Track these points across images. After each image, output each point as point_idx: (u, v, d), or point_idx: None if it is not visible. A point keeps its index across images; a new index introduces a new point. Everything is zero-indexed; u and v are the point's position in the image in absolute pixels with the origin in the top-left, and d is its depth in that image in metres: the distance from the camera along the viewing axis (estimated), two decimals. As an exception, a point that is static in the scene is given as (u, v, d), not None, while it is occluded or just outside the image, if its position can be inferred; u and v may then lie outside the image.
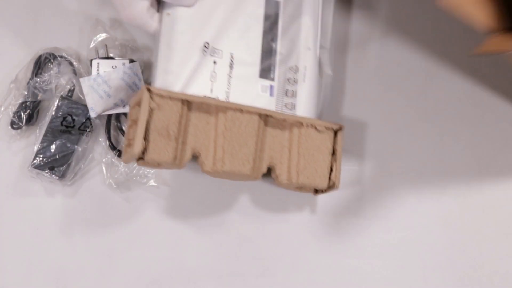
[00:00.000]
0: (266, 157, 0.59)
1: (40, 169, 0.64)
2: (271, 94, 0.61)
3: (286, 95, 0.61)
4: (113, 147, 0.65)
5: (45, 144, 0.64)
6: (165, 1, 0.59)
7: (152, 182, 0.65)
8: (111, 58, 0.66)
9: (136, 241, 0.65)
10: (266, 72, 0.61)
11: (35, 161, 0.64)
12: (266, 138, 0.60)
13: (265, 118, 0.60)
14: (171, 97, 0.56)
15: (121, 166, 0.65)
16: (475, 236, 0.66)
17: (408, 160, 0.67)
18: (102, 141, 0.65)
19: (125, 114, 0.66)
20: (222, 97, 0.59)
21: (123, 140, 0.66)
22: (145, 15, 0.59)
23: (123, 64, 0.66)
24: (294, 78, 0.62)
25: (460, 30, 0.69)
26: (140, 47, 0.69)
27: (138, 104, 0.56)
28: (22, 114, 0.65)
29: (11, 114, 0.65)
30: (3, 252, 0.64)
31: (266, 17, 0.62)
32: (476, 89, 0.70)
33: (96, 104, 0.64)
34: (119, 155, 0.65)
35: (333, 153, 0.61)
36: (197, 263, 0.64)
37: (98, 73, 0.65)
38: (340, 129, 0.61)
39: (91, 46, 0.67)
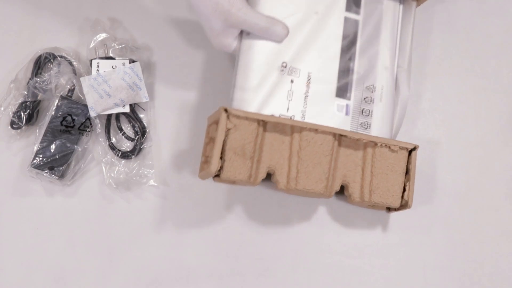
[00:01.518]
0: (340, 176, 0.60)
1: (39, 169, 0.64)
2: (346, 113, 0.61)
3: (362, 114, 0.61)
4: (113, 147, 0.65)
5: (44, 144, 0.64)
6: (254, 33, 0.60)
7: (152, 182, 0.65)
8: (111, 58, 0.66)
9: (136, 241, 0.65)
10: (342, 91, 0.61)
11: (34, 161, 0.64)
12: (340, 157, 0.60)
13: (339, 137, 0.60)
14: (247, 117, 0.57)
15: (121, 166, 0.65)
16: (475, 236, 0.66)
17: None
18: (102, 141, 0.65)
19: (125, 114, 0.66)
20: (298, 116, 0.60)
21: (122, 140, 0.66)
22: (233, 43, 0.61)
23: (123, 64, 0.66)
24: (371, 98, 0.62)
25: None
26: (140, 47, 0.69)
27: (216, 122, 0.57)
28: (22, 114, 0.65)
29: (11, 114, 0.65)
30: (3, 252, 0.64)
31: (345, 37, 0.62)
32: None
33: (96, 103, 0.64)
34: (119, 155, 0.65)
35: (407, 172, 0.61)
36: (197, 263, 0.64)
37: (98, 72, 0.65)
38: (414, 149, 0.61)
39: (91, 46, 0.67)
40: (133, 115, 0.66)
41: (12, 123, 0.65)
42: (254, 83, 0.59)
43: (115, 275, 0.64)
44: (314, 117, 0.60)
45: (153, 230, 0.65)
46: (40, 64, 0.66)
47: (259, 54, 0.60)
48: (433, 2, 0.73)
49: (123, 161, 0.65)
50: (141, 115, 0.67)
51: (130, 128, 0.66)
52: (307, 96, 0.60)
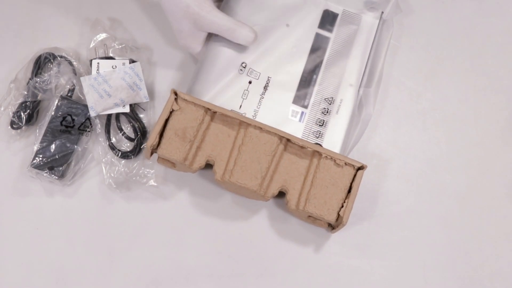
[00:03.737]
0: (280, 180, 0.60)
1: (39, 169, 0.64)
2: (300, 120, 0.62)
3: (316, 123, 0.62)
4: (113, 147, 0.65)
5: (44, 144, 0.64)
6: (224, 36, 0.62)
7: (152, 182, 0.65)
8: (111, 58, 0.66)
9: (136, 241, 0.64)
10: (300, 99, 0.63)
11: (34, 161, 0.64)
12: (283, 161, 0.60)
13: (286, 142, 0.60)
14: (195, 103, 0.60)
15: (121, 166, 0.65)
16: (475, 236, 0.66)
17: (407, 159, 0.68)
18: (102, 141, 0.65)
19: (125, 114, 0.66)
20: (249, 114, 0.62)
21: (122, 140, 0.66)
22: (200, 45, 0.63)
23: (123, 64, 0.66)
24: (328, 109, 0.63)
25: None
26: (140, 47, 0.69)
27: None
28: (22, 114, 0.65)
29: (11, 114, 0.65)
30: (3, 252, 0.64)
31: (312, 50, 0.64)
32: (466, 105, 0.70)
33: (96, 103, 0.64)
34: (119, 155, 0.65)
35: (350, 190, 0.60)
36: (197, 263, 0.64)
37: (98, 72, 0.65)
38: (361, 168, 0.60)
39: (91, 46, 0.67)
40: (133, 115, 0.66)
41: (12, 123, 0.65)
42: (213, 78, 0.62)
43: (115, 275, 0.64)
44: (266, 118, 0.62)
45: (153, 230, 0.65)
46: (40, 64, 0.66)
47: (222, 53, 0.63)
48: (433, 2, 0.73)
49: (123, 161, 0.65)
50: (141, 115, 0.67)
51: (130, 128, 0.66)
52: (263, 98, 0.63)
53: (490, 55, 0.71)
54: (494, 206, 0.67)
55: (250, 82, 0.63)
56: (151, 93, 0.68)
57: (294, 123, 0.62)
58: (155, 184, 0.65)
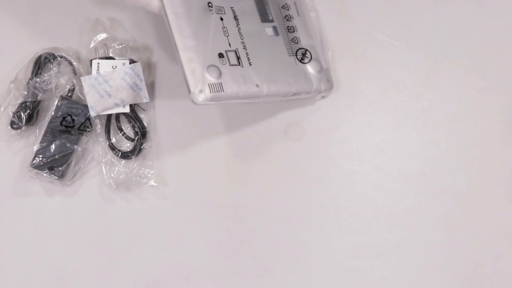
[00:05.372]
0: None
1: (39, 169, 0.64)
2: (276, 34, 0.65)
3: (289, 31, 0.66)
4: (113, 147, 0.65)
5: (44, 144, 0.64)
6: None
7: (152, 182, 0.65)
8: (111, 58, 0.66)
9: (136, 241, 0.65)
10: (264, 15, 0.65)
11: (34, 161, 0.64)
12: None
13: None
14: None
15: (121, 166, 0.65)
16: (475, 236, 0.66)
17: (407, 159, 0.68)
18: (102, 141, 0.65)
19: (125, 114, 0.66)
20: (240, 47, 0.62)
21: (122, 140, 0.66)
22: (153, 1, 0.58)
23: (123, 64, 0.66)
24: (290, 15, 0.67)
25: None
26: (140, 47, 0.69)
27: None
28: (22, 114, 0.65)
29: (11, 114, 0.65)
30: (3, 252, 0.64)
31: None
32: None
33: (96, 103, 0.64)
34: (119, 155, 0.65)
35: None
36: (197, 263, 0.64)
37: (98, 72, 0.65)
38: None
39: (91, 46, 0.67)
40: (133, 115, 0.66)
41: (12, 123, 0.65)
42: (191, 28, 0.58)
43: (115, 275, 0.64)
44: (256, 47, 0.63)
45: (153, 230, 0.65)
46: (40, 64, 0.66)
47: (184, 2, 0.59)
48: (433, 2, 0.73)
49: (123, 161, 0.65)
50: (141, 115, 0.67)
51: (130, 128, 0.66)
52: (240, 28, 0.63)
53: (490, 55, 0.71)
54: (494, 206, 0.67)
55: (221, 19, 0.62)
56: (151, 93, 0.68)
57: (275, 40, 0.64)
58: (155, 184, 0.65)
